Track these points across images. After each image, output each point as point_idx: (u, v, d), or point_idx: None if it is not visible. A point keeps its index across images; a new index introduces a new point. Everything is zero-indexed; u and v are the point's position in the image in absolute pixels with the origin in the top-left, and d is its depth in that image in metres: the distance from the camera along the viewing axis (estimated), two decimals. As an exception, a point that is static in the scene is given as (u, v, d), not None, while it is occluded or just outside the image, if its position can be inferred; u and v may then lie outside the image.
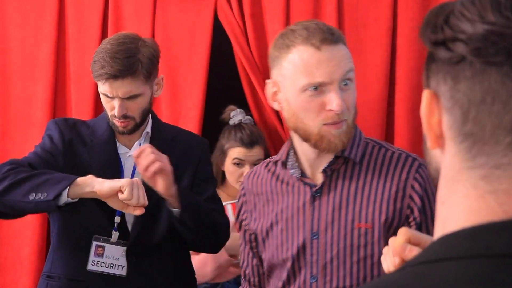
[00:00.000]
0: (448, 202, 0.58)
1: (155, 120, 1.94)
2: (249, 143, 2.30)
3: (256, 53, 2.38)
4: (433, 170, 0.64)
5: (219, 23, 2.41)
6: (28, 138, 2.44)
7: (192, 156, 1.91)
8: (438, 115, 0.59)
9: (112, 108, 1.77)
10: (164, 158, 1.70)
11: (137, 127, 1.82)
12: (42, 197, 1.63)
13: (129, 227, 1.84)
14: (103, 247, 1.81)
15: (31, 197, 1.64)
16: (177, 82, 2.40)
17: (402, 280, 0.54)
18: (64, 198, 1.64)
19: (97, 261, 1.81)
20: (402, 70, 2.30)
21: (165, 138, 1.92)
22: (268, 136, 2.44)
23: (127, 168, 1.86)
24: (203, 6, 2.41)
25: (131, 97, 1.75)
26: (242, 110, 2.39)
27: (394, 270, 0.57)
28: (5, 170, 1.69)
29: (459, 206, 0.57)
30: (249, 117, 2.38)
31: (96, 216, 1.79)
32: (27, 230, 2.40)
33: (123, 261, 1.82)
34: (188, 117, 2.40)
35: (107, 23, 2.45)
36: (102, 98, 1.79)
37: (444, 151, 0.59)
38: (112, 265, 1.81)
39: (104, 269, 1.81)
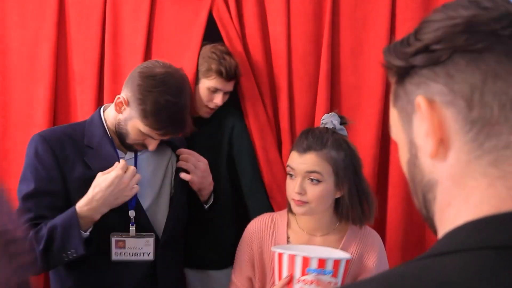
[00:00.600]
0: (456, 201, 0.60)
1: None
2: (302, 148, 1.81)
3: (255, 54, 2.39)
4: (422, 192, 0.65)
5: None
6: (28, 138, 2.43)
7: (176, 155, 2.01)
8: (438, 116, 0.61)
9: (143, 142, 1.85)
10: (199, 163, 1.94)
11: None
12: (75, 255, 1.72)
13: (150, 219, 1.89)
14: (124, 241, 1.83)
15: (65, 258, 1.73)
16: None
17: (408, 272, 0.56)
18: (86, 234, 1.74)
19: (120, 252, 1.84)
20: (400, 71, 2.30)
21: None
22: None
23: (121, 159, 1.86)
24: (200, 6, 2.42)
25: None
26: (334, 114, 1.94)
27: (400, 264, 0.58)
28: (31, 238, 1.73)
29: (469, 200, 0.58)
30: (340, 126, 1.90)
31: (111, 216, 1.79)
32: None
33: (147, 249, 1.85)
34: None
35: (106, 23, 2.45)
36: (136, 131, 1.81)
37: (446, 153, 0.61)
38: (136, 253, 1.84)
39: (128, 257, 1.84)
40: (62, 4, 2.48)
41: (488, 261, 0.52)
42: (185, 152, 1.94)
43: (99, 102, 2.42)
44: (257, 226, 1.92)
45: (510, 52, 0.57)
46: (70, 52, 2.48)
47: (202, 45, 2.36)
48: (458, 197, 0.59)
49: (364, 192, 1.86)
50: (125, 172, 1.73)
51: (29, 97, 2.48)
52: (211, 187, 2.02)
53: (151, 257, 1.86)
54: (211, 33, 2.40)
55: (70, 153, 1.81)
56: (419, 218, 2.33)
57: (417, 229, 2.32)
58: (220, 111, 2.36)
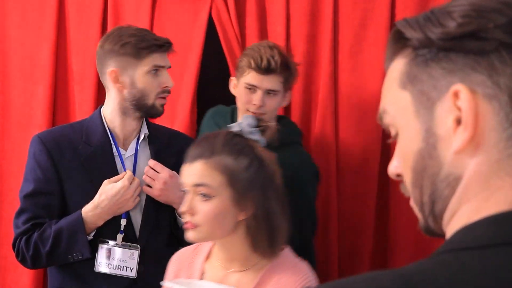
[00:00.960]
0: (476, 198, 0.58)
1: (148, 122, 1.96)
2: (191, 157, 1.47)
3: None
4: (432, 189, 0.61)
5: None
6: (28, 138, 2.42)
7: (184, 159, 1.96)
8: (477, 109, 0.57)
9: (160, 84, 1.84)
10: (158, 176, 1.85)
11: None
12: (80, 257, 1.78)
13: (136, 230, 1.86)
14: (109, 250, 1.83)
15: (71, 259, 1.78)
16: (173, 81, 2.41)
17: (424, 268, 0.54)
18: (89, 238, 1.79)
19: (105, 263, 1.82)
20: (400, 70, 2.31)
21: (161, 141, 1.94)
22: None
23: (127, 169, 1.85)
24: (201, 6, 2.42)
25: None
26: (247, 116, 1.59)
27: (420, 260, 0.57)
28: (29, 244, 1.80)
29: (491, 199, 0.57)
30: (251, 129, 1.52)
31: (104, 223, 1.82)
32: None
33: (131, 264, 1.83)
34: (181, 117, 2.41)
35: (106, 23, 2.45)
36: (148, 77, 1.82)
37: (475, 149, 0.58)
38: (120, 267, 1.82)
39: (112, 270, 1.82)
40: (62, 4, 2.48)
41: (505, 258, 0.51)
42: (150, 163, 1.86)
43: (98, 102, 2.42)
44: (176, 258, 1.59)
45: None
46: (70, 52, 2.48)
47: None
48: (480, 195, 0.57)
49: (274, 215, 1.44)
50: (130, 183, 1.79)
51: (29, 97, 2.48)
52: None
53: (133, 273, 1.82)
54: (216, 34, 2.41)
55: (66, 154, 1.82)
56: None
57: (419, 228, 2.32)
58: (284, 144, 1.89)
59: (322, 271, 2.34)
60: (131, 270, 1.82)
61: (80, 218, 1.75)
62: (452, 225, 0.59)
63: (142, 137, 1.89)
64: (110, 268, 1.82)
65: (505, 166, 0.56)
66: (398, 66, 0.64)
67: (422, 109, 0.61)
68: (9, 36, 2.51)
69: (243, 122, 1.52)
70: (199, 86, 2.42)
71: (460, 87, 0.57)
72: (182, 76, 2.42)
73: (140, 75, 1.80)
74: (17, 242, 1.82)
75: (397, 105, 0.64)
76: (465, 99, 0.57)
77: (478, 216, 0.56)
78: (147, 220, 1.87)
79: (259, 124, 1.55)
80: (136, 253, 1.83)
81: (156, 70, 1.82)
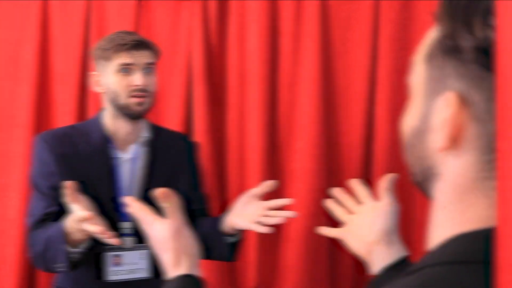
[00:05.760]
0: (451, 207, 0.57)
1: (152, 125, 1.95)
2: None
3: (236, 57, 2.40)
4: (420, 168, 0.61)
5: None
6: (12, 138, 2.43)
7: (186, 159, 1.96)
8: (464, 120, 0.55)
9: (129, 83, 1.78)
10: None
11: (147, 110, 1.84)
12: (63, 269, 1.66)
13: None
14: (120, 256, 1.78)
15: (57, 269, 1.68)
16: (160, 84, 2.41)
17: (421, 282, 0.53)
18: (74, 251, 1.66)
19: (116, 271, 1.78)
20: (384, 71, 2.33)
21: (160, 145, 1.92)
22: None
23: (125, 173, 1.83)
24: (185, 9, 2.42)
25: (149, 68, 1.81)
26: None
27: (411, 272, 0.55)
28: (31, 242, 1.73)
29: (465, 213, 0.56)
30: None
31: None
32: (11, 229, 2.39)
33: (143, 264, 1.80)
34: (172, 120, 2.41)
35: (90, 24, 2.45)
36: (117, 77, 1.78)
37: (458, 155, 0.56)
38: (132, 270, 1.78)
39: (124, 276, 1.78)
40: (46, 5, 2.47)
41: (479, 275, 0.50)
42: None
43: (80, 102, 2.42)
44: None
45: None
46: (53, 53, 2.47)
47: None
48: (456, 206, 0.57)
49: None
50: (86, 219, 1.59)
51: (13, 98, 2.46)
52: None
53: (146, 273, 1.79)
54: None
55: (66, 153, 1.80)
56: (406, 218, 2.35)
57: (403, 227, 2.34)
58: None
59: (335, 273, 2.35)
60: (144, 271, 1.79)
61: (62, 229, 1.62)
62: (433, 231, 0.59)
63: (141, 140, 1.88)
64: (123, 274, 1.78)
65: (481, 187, 0.55)
66: (432, 35, 0.60)
67: (428, 92, 0.59)
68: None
69: None
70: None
71: (452, 96, 0.55)
72: (169, 78, 2.42)
73: (110, 76, 1.79)
74: (29, 234, 1.74)
75: (416, 73, 0.61)
76: (450, 108, 0.55)
77: (459, 228, 0.55)
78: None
79: None
80: (145, 252, 1.79)
81: (125, 69, 1.78)
